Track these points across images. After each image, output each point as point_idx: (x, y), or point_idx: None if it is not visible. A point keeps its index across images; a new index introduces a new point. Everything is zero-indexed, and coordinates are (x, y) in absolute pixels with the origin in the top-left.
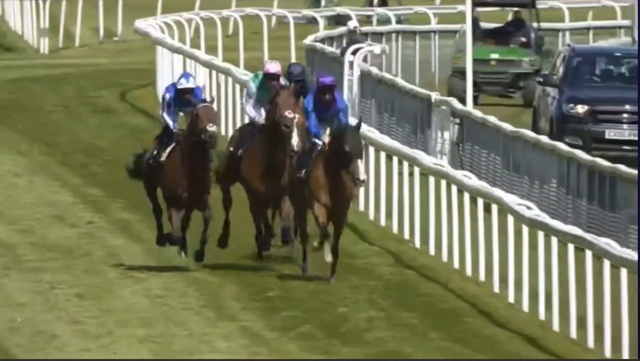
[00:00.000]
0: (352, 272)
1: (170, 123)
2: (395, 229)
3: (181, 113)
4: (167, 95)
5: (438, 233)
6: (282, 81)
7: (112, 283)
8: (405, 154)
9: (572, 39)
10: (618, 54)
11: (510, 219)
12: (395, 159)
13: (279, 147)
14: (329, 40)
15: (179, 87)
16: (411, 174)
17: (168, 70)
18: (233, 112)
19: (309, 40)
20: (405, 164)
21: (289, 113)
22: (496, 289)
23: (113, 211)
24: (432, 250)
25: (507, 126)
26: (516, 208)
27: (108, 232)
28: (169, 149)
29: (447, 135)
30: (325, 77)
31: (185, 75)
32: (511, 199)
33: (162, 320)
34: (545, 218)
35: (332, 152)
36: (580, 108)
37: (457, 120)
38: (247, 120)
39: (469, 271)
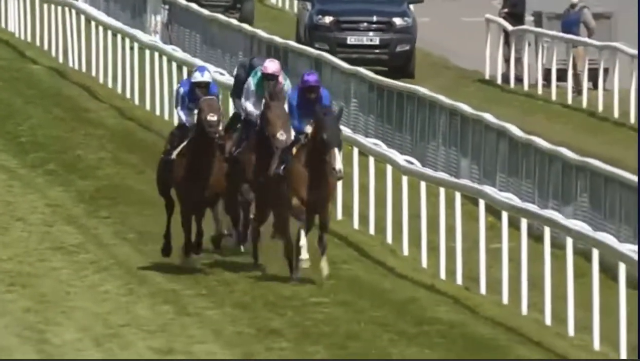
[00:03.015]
0: (84, 123)
1: (184, 118)
2: (119, 90)
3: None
4: (181, 90)
5: (152, 91)
6: (282, 79)
7: None
8: (126, 32)
9: None
10: None
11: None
12: (119, 37)
13: (268, 155)
14: None
15: (192, 80)
16: (132, 48)
17: None
18: None
19: None
20: (127, 41)
21: (281, 135)
22: None
23: None
24: (147, 106)
25: (205, 11)
26: (212, 74)
27: None
28: (180, 147)
29: (159, 18)
30: (309, 75)
31: (200, 68)
32: (209, 67)
33: None
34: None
35: (314, 141)
36: (327, 19)
37: (167, 6)
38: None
39: (176, 122)
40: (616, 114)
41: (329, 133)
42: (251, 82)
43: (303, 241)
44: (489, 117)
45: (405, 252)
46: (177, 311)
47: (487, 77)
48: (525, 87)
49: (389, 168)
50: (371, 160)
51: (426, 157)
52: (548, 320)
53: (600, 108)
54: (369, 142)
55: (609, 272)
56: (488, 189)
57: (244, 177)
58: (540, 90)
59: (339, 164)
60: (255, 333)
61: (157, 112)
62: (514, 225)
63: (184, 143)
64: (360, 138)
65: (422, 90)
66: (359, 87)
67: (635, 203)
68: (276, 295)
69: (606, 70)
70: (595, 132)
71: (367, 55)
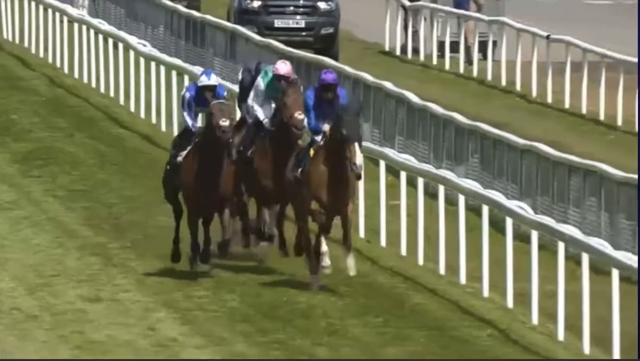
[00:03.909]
0: (18, 90)
1: (190, 122)
2: (50, 60)
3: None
4: (187, 95)
5: (81, 61)
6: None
7: None
8: (56, 7)
9: None
10: None
11: (132, 53)
12: (50, 11)
13: (287, 148)
14: None
15: (199, 84)
16: (61, 22)
17: None
18: None
19: None
20: (57, 15)
21: (299, 115)
22: (121, 102)
23: None
24: (76, 74)
25: None
26: (135, 45)
27: None
28: (186, 151)
29: None
30: (327, 74)
31: (207, 72)
32: (132, 39)
33: None
34: (156, 52)
35: (333, 140)
36: (255, 3)
37: None
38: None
39: (103, 89)
40: (504, 82)
41: (348, 128)
42: (261, 82)
43: (324, 248)
44: (388, 85)
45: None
46: (103, 262)
47: (387, 48)
48: (422, 58)
49: None
50: None
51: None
52: (442, 270)
53: (489, 77)
54: None
55: (497, 226)
56: (388, 151)
57: (260, 176)
58: (435, 61)
59: (359, 159)
60: (176, 282)
61: (85, 80)
62: (411, 184)
63: (190, 146)
64: None
65: (328, 60)
66: (270, 58)
67: (519, 162)
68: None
69: (494, 43)
70: (484, 98)
71: (294, 38)
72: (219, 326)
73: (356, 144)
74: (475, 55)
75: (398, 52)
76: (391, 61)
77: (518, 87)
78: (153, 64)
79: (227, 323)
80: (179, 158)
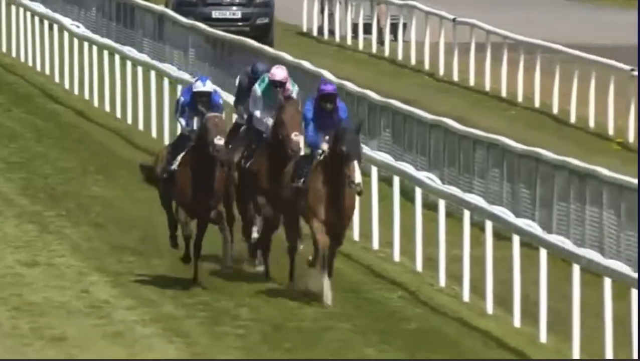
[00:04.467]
0: None
1: (185, 125)
2: (4, 50)
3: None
4: (182, 99)
5: (18, 41)
6: (289, 86)
7: None
8: None
9: None
10: None
11: (66, 34)
12: (12, 8)
13: (283, 162)
14: None
15: (194, 89)
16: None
17: None
18: None
19: None
20: (21, 10)
21: (295, 136)
22: (57, 79)
23: None
24: (13, 53)
25: None
26: (69, 27)
27: None
28: (180, 157)
29: None
30: (326, 85)
31: (202, 78)
32: (66, 20)
33: None
34: (89, 33)
35: (332, 157)
36: None
37: None
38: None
39: (39, 67)
40: (413, 62)
41: (348, 145)
42: (257, 89)
43: (327, 288)
44: (306, 64)
45: None
46: (39, 229)
47: (304, 30)
48: (337, 39)
49: None
50: None
51: None
52: (356, 236)
53: (400, 57)
54: None
55: (407, 195)
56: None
57: (257, 187)
58: (349, 42)
59: (358, 178)
60: (108, 248)
61: (22, 59)
62: None
63: (184, 152)
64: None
65: (250, 42)
66: (196, 39)
67: (428, 136)
68: (127, 215)
69: (405, 25)
70: (396, 77)
71: (230, 28)
72: (147, 289)
73: (355, 162)
74: (387, 36)
75: (315, 34)
76: (309, 42)
77: (427, 66)
78: (86, 44)
79: (155, 286)
80: (174, 166)
